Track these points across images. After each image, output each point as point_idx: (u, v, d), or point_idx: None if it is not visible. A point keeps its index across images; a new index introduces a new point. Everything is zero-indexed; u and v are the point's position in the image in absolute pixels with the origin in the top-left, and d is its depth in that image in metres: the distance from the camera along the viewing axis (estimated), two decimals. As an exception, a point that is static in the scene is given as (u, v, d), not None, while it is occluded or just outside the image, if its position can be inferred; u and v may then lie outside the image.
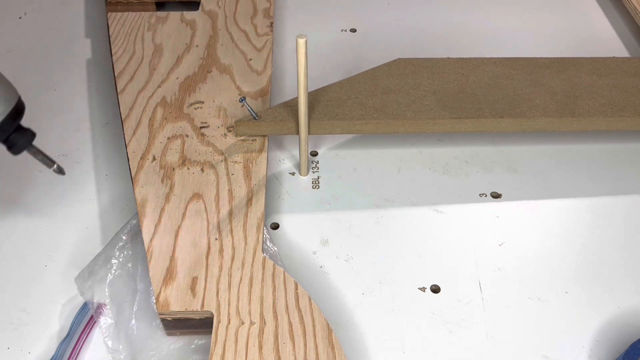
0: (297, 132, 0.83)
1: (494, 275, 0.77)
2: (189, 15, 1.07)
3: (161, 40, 1.01)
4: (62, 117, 0.97)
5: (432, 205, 0.85)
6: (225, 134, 0.87)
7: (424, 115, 0.86)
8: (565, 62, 0.96)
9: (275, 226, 0.82)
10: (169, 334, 0.71)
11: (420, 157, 0.92)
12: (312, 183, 0.88)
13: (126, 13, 1.07)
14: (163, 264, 0.71)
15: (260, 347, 0.64)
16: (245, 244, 0.73)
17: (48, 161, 0.67)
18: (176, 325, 0.69)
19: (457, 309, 0.74)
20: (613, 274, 0.78)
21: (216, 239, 0.74)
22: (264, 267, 0.71)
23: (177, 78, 0.95)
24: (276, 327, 0.66)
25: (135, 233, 0.78)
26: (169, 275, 0.70)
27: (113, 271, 0.74)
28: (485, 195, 0.87)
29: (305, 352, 0.64)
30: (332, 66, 1.07)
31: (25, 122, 0.65)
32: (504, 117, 0.86)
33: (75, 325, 0.71)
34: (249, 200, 0.78)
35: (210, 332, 0.66)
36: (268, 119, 0.85)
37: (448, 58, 0.97)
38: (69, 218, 0.83)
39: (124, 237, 0.77)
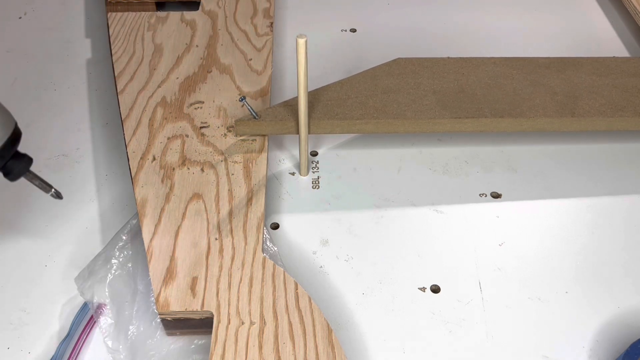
0: (297, 132, 0.83)
1: (494, 275, 0.77)
2: (189, 15, 1.07)
3: (161, 40, 1.01)
4: (62, 117, 0.97)
5: (432, 205, 0.85)
6: (225, 134, 0.87)
7: (424, 115, 0.86)
8: (565, 62, 0.96)
9: (275, 226, 0.82)
10: (169, 334, 0.71)
11: (420, 157, 0.92)
12: (312, 183, 0.88)
13: (126, 13, 1.07)
14: (163, 264, 0.71)
15: (260, 347, 0.64)
16: (245, 244, 0.73)
17: (45, 186, 0.67)
18: (176, 325, 0.69)
19: (457, 309, 0.74)
20: (613, 274, 0.78)
21: (216, 239, 0.74)
22: (264, 267, 0.71)
23: (177, 78, 0.95)
24: (276, 327, 0.66)
25: (135, 233, 0.78)
26: (169, 275, 0.70)
27: (113, 271, 0.74)
28: (485, 195, 0.87)
29: (305, 352, 0.64)
30: (332, 66, 1.07)
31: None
32: (504, 117, 0.86)
33: (75, 325, 0.71)
34: (249, 200, 0.78)
35: (210, 332, 0.66)
36: (268, 119, 0.85)
37: (448, 58, 0.97)
38: (69, 218, 0.83)
39: (124, 237, 0.77)
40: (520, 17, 1.20)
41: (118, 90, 0.92)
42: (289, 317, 0.67)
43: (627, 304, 0.75)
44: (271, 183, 0.87)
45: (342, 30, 1.15)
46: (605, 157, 0.93)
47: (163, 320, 0.68)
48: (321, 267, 0.78)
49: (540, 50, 1.11)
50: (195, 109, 0.90)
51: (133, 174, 0.81)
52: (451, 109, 0.87)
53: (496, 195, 0.87)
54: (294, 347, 0.65)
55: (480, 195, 0.87)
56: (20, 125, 0.97)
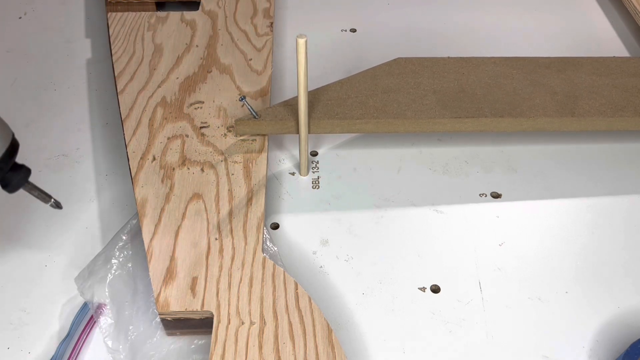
0: (297, 131, 0.83)
1: (494, 275, 0.77)
2: (189, 15, 1.07)
3: (161, 40, 1.01)
4: (62, 117, 0.97)
5: (432, 205, 0.85)
6: (225, 134, 0.87)
7: (424, 115, 0.86)
8: (565, 62, 0.96)
9: (275, 226, 0.82)
10: (169, 334, 0.71)
11: (420, 157, 0.92)
12: (312, 183, 0.88)
13: (126, 13, 1.07)
14: (163, 264, 0.71)
15: (260, 347, 0.64)
16: (245, 244, 0.73)
17: (45, 197, 0.66)
18: (176, 325, 0.69)
19: (457, 309, 0.74)
20: (613, 274, 0.78)
21: (216, 239, 0.74)
22: (264, 267, 0.71)
23: (177, 78, 0.95)
24: (276, 327, 0.66)
25: (135, 233, 0.78)
26: (169, 275, 0.70)
27: (113, 271, 0.74)
28: (485, 195, 0.87)
29: (305, 352, 0.64)
30: (332, 66, 1.07)
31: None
32: (504, 117, 0.86)
33: (75, 325, 0.71)
34: (249, 200, 0.78)
35: (210, 332, 0.66)
36: (268, 118, 0.85)
37: (448, 57, 0.97)
38: (69, 218, 0.83)
39: (124, 237, 0.77)
40: (520, 17, 1.20)
41: (118, 90, 0.92)
42: (289, 317, 0.67)
43: (627, 304, 0.75)
44: (271, 183, 0.87)
45: (342, 30, 1.15)
46: (605, 157, 0.93)
47: (163, 320, 0.68)
48: (321, 267, 0.78)
49: (540, 50, 1.11)
50: (195, 109, 0.90)
51: (133, 174, 0.81)
52: (451, 109, 0.87)
53: (496, 195, 0.87)
54: (294, 347, 0.65)
55: (480, 195, 0.87)
56: (20, 125, 0.98)
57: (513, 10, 1.22)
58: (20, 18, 1.16)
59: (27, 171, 0.64)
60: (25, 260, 0.78)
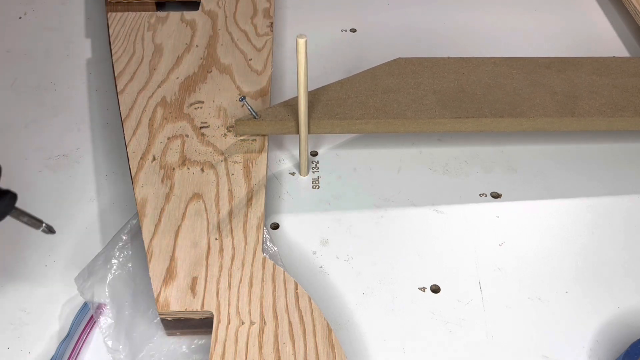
0: (297, 132, 0.83)
1: (494, 275, 0.77)
2: (189, 15, 1.07)
3: (161, 40, 1.01)
4: (62, 117, 0.97)
5: (432, 205, 0.85)
6: (225, 134, 0.87)
7: (424, 115, 0.86)
8: (565, 62, 0.96)
9: (275, 226, 0.82)
10: (169, 334, 0.71)
11: (420, 157, 0.92)
12: (312, 183, 0.88)
13: (126, 13, 1.07)
14: (163, 264, 0.71)
15: (260, 347, 0.64)
16: (245, 244, 0.73)
17: (35, 222, 0.62)
18: (176, 325, 0.69)
19: (457, 309, 0.74)
20: (613, 274, 0.78)
21: (216, 239, 0.74)
22: (264, 267, 0.71)
23: (177, 78, 0.95)
24: (276, 327, 0.66)
25: (135, 233, 0.78)
26: (169, 275, 0.70)
27: (113, 271, 0.74)
28: (485, 195, 0.87)
29: (305, 352, 0.64)
30: (332, 66, 1.07)
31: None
32: (504, 117, 0.86)
33: (75, 325, 0.71)
34: (249, 200, 0.78)
35: (210, 332, 0.66)
36: (268, 118, 0.85)
37: (448, 58, 0.97)
38: (69, 218, 0.83)
39: (124, 237, 0.77)
40: (520, 17, 1.20)
41: (118, 90, 0.92)
42: (289, 317, 0.67)
43: (627, 304, 0.75)
44: (271, 183, 0.87)
45: (342, 30, 1.15)
46: (605, 157, 0.93)
47: (163, 320, 0.68)
48: (321, 267, 0.78)
49: (540, 50, 1.11)
50: (195, 109, 0.90)
51: (133, 174, 0.81)
52: (451, 109, 0.87)
53: (496, 195, 0.87)
54: (294, 347, 0.65)
55: (480, 195, 0.87)
56: (20, 125, 0.98)
57: (513, 10, 1.22)
58: (20, 18, 1.16)
59: (12, 197, 0.58)
60: (25, 260, 0.78)
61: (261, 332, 0.66)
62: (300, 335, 0.66)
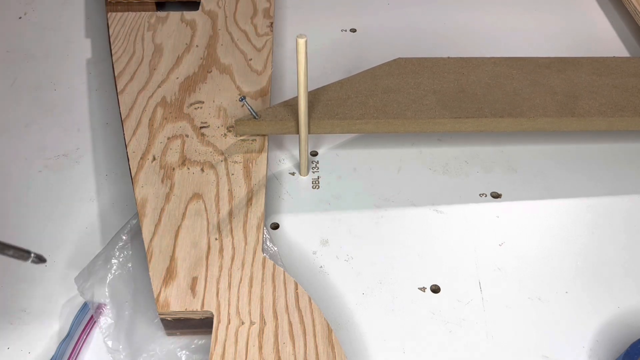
0: (297, 132, 0.83)
1: (494, 275, 0.77)
2: (189, 15, 1.07)
3: (161, 40, 1.01)
4: (62, 117, 0.97)
5: (432, 205, 0.85)
6: (225, 134, 0.87)
7: (424, 115, 0.86)
8: (565, 62, 0.96)
9: (275, 226, 0.82)
10: (169, 334, 0.70)
11: (420, 157, 0.92)
12: (312, 183, 0.88)
13: (126, 13, 1.07)
14: (163, 264, 0.71)
15: (260, 347, 0.64)
16: (245, 244, 0.73)
17: (22, 253, 0.58)
18: (176, 325, 0.69)
19: (457, 309, 0.74)
20: (613, 274, 0.78)
21: (216, 239, 0.74)
22: (264, 267, 0.71)
23: (177, 78, 0.95)
24: (276, 327, 0.66)
25: (135, 233, 0.78)
26: (169, 275, 0.70)
27: (113, 271, 0.74)
28: (485, 195, 0.87)
29: (305, 352, 0.64)
30: (332, 66, 1.07)
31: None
32: (504, 117, 0.86)
33: (75, 325, 0.71)
34: (249, 200, 0.78)
35: (210, 332, 0.66)
36: (268, 118, 0.85)
37: (448, 58, 0.97)
38: (69, 218, 0.83)
39: (124, 237, 0.77)
40: (520, 17, 1.20)
41: (118, 90, 0.92)
42: (289, 317, 0.67)
43: (627, 304, 0.75)
44: (271, 183, 0.87)
45: (342, 30, 1.15)
46: (605, 157, 0.93)
47: (163, 320, 0.68)
48: (321, 267, 0.78)
49: (540, 50, 1.11)
50: (195, 109, 0.90)
51: (133, 174, 0.81)
52: (451, 109, 0.87)
53: (496, 195, 0.87)
54: (294, 347, 0.65)
55: (480, 195, 0.87)
56: (20, 125, 0.98)
57: (513, 10, 1.22)
58: (20, 18, 1.16)
59: None
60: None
61: (261, 332, 0.66)
62: (300, 335, 0.66)
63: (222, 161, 0.83)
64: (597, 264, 0.79)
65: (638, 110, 0.88)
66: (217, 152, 0.84)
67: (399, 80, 0.92)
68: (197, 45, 1.01)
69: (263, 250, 0.73)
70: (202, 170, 0.82)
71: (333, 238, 0.81)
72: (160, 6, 1.11)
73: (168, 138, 0.86)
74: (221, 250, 0.73)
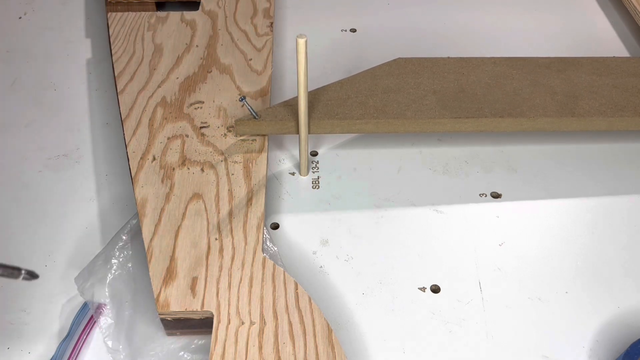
0: (297, 132, 0.83)
1: (494, 275, 0.77)
2: (189, 15, 1.07)
3: (161, 40, 1.01)
4: (62, 117, 0.97)
5: (432, 205, 0.85)
6: (225, 134, 0.87)
7: (424, 115, 0.86)
8: (565, 62, 0.96)
9: (275, 226, 0.82)
10: (169, 334, 0.70)
11: (420, 157, 0.92)
12: (312, 183, 0.88)
13: (126, 13, 1.07)
14: (163, 264, 0.71)
15: (260, 347, 0.64)
16: (245, 244, 0.73)
17: (12, 271, 0.56)
18: (176, 325, 0.69)
19: (457, 309, 0.74)
20: (613, 274, 0.78)
21: (216, 239, 0.74)
22: (264, 267, 0.71)
23: (177, 78, 0.95)
24: (276, 327, 0.66)
25: (135, 233, 0.78)
26: (169, 275, 0.70)
27: (113, 271, 0.74)
28: (485, 195, 0.87)
29: (305, 352, 0.64)
30: (332, 66, 1.07)
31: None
32: (504, 117, 0.86)
33: (75, 325, 0.71)
34: (249, 200, 0.78)
35: (210, 332, 0.66)
36: (268, 118, 0.85)
37: (448, 58, 0.97)
38: (69, 218, 0.83)
39: (124, 237, 0.77)
40: (520, 17, 1.20)
41: (118, 90, 0.92)
42: (289, 317, 0.67)
43: (627, 304, 0.75)
44: (271, 183, 0.87)
45: (342, 30, 1.15)
46: (605, 157, 0.93)
47: (163, 320, 0.68)
48: (321, 267, 0.78)
49: (540, 50, 1.11)
50: (195, 109, 0.90)
51: (133, 174, 0.81)
52: (451, 109, 0.87)
53: (496, 195, 0.87)
54: (294, 347, 0.65)
55: (480, 195, 0.87)
56: (20, 125, 0.98)
57: (513, 10, 1.22)
58: (20, 18, 1.16)
59: None
60: (25, 260, 0.78)
61: (261, 332, 0.66)
62: (300, 335, 0.66)
63: (222, 161, 0.83)
64: (597, 264, 0.79)
65: (638, 110, 0.88)
66: (217, 152, 0.84)
67: (399, 80, 0.92)
68: (197, 45, 1.01)
69: (263, 250, 0.73)
70: (202, 170, 0.82)
71: (333, 238, 0.81)
72: (160, 6, 1.11)
73: (168, 138, 0.86)
74: (221, 250, 0.73)
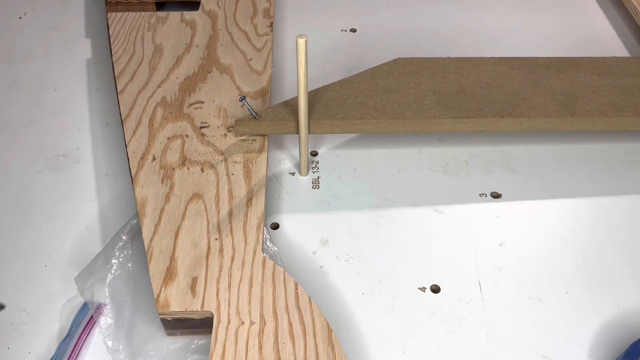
0: (297, 132, 0.83)
1: (494, 275, 0.77)
2: (189, 15, 1.07)
3: (161, 40, 1.01)
4: (62, 117, 0.97)
5: (432, 205, 0.85)
6: (225, 134, 0.87)
7: (424, 115, 0.86)
8: (565, 62, 0.96)
9: (275, 226, 0.82)
10: (169, 334, 0.71)
11: (420, 157, 0.92)
12: (312, 183, 0.88)
13: (126, 13, 1.07)
14: (163, 264, 0.71)
15: (260, 347, 0.64)
16: (245, 244, 0.73)
17: None
18: (176, 325, 0.69)
19: (457, 309, 0.74)
20: (613, 274, 0.78)
21: (216, 239, 0.74)
22: (264, 267, 0.71)
23: (177, 78, 0.95)
24: (276, 327, 0.66)
25: (135, 233, 0.78)
26: (169, 275, 0.70)
27: (113, 271, 0.74)
28: (485, 195, 0.87)
29: (305, 352, 0.64)
30: (332, 66, 1.07)
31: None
32: (504, 117, 0.86)
33: (75, 325, 0.71)
34: (249, 200, 0.78)
35: (210, 332, 0.66)
36: (268, 118, 0.85)
37: (448, 58, 0.97)
38: (69, 218, 0.83)
39: (124, 237, 0.77)
40: (520, 17, 1.20)
41: (118, 90, 0.92)
42: (289, 317, 0.67)
43: (627, 304, 0.75)
44: (271, 183, 0.87)
45: (342, 30, 1.15)
46: (605, 157, 0.93)
47: (163, 320, 0.68)
48: (321, 267, 0.78)
49: (540, 50, 1.11)
50: (195, 109, 0.90)
51: (133, 174, 0.81)
52: (451, 109, 0.87)
53: (496, 195, 0.87)
54: (294, 347, 0.65)
55: (480, 195, 0.87)
56: (20, 125, 0.98)
57: (513, 10, 1.22)
58: (20, 18, 1.16)
59: None
60: (25, 260, 0.78)
61: (261, 332, 0.66)
62: (300, 335, 0.66)
63: (222, 161, 0.83)
64: (597, 264, 0.79)
65: (638, 110, 0.88)
66: (217, 152, 0.84)
67: (399, 80, 0.92)
68: (197, 45, 1.01)
69: (263, 250, 0.73)
70: (202, 170, 0.82)
71: (333, 238, 0.81)
72: (160, 6, 1.11)
73: (168, 138, 0.86)
74: (221, 250, 0.73)
